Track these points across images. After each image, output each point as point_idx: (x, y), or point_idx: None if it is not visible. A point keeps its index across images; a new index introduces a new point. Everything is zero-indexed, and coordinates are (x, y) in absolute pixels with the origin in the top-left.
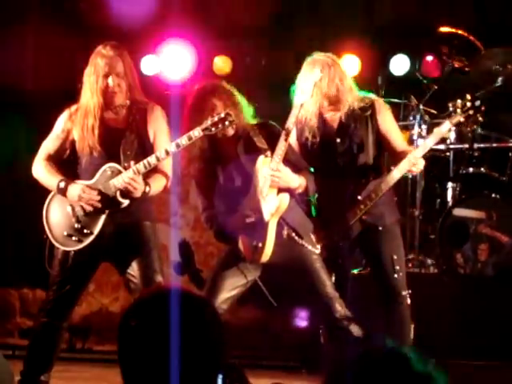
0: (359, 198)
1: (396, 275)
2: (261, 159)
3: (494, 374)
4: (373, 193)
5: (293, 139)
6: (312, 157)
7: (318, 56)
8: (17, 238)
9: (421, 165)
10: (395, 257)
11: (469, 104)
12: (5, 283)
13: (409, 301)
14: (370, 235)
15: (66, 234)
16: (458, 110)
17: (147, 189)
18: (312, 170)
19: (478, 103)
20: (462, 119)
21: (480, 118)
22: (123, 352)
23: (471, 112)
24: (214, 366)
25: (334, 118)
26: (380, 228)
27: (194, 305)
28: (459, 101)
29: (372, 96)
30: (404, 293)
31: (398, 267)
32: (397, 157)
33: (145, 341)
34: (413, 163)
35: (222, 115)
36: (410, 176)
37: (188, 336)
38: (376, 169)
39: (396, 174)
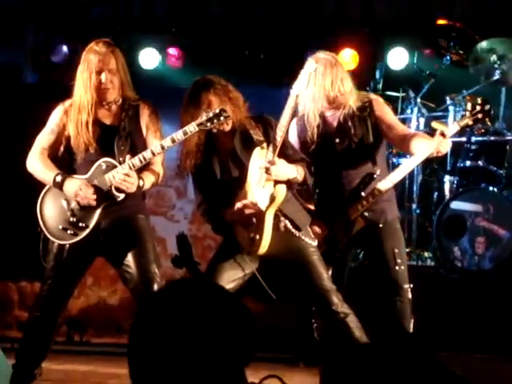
0: (363, 194)
1: (398, 268)
2: (257, 151)
3: (491, 367)
4: (376, 189)
5: (293, 136)
6: (312, 155)
7: (321, 54)
8: (15, 231)
9: (448, 146)
10: (396, 250)
11: (478, 107)
12: (3, 276)
13: (410, 295)
14: (371, 231)
15: (61, 227)
16: (467, 113)
17: (141, 183)
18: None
19: (487, 107)
20: (470, 122)
21: (488, 123)
22: (137, 344)
23: (480, 116)
24: (241, 360)
25: (333, 117)
26: (382, 223)
27: (219, 296)
28: (469, 103)
29: (370, 95)
30: (406, 286)
31: (399, 260)
32: (403, 142)
33: (166, 333)
34: (424, 155)
35: (217, 111)
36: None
37: (211, 328)
38: (378, 166)
39: (402, 172)
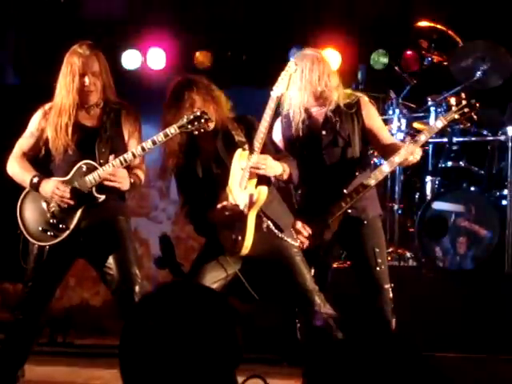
0: (345, 191)
1: (378, 268)
2: (238, 152)
3: (471, 367)
4: (360, 186)
5: (278, 135)
6: (297, 151)
7: (307, 51)
8: None
9: (418, 154)
10: (377, 250)
11: (464, 102)
12: None
13: (391, 294)
14: (353, 228)
15: (41, 229)
16: (453, 108)
17: (132, 180)
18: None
19: (473, 101)
20: (456, 116)
21: (475, 117)
22: (128, 346)
23: (466, 110)
24: (232, 362)
25: (319, 113)
26: (363, 221)
27: (205, 298)
28: (454, 98)
29: (358, 93)
30: (386, 286)
31: (380, 260)
32: (386, 149)
33: (154, 337)
34: (409, 153)
35: (198, 113)
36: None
37: (202, 330)
38: (361, 164)
39: (386, 168)
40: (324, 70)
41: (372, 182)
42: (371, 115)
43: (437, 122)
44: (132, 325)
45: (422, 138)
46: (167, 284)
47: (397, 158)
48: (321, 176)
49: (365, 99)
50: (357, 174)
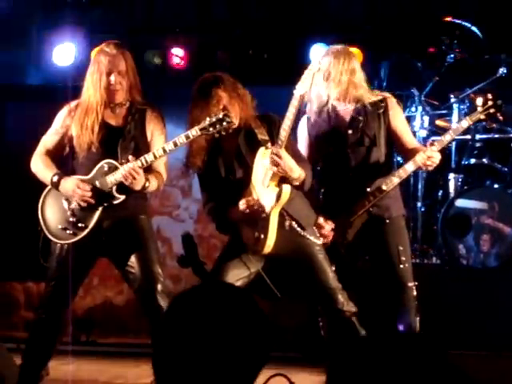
0: (368, 190)
1: (402, 266)
2: (261, 151)
3: (498, 365)
4: (384, 184)
5: (303, 131)
6: (322, 149)
7: (333, 47)
8: (21, 232)
9: (437, 159)
10: (401, 248)
11: (490, 102)
12: (9, 277)
13: (415, 292)
14: (376, 227)
15: (60, 227)
16: (479, 108)
17: (147, 184)
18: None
19: (499, 102)
20: (482, 117)
21: (500, 117)
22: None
23: (492, 110)
24: (257, 363)
25: (346, 111)
26: (386, 220)
27: (237, 299)
28: (480, 98)
29: (385, 93)
30: (410, 284)
31: (403, 258)
32: (408, 153)
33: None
34: (428, 156)
35: (220, 116)
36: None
37: (230, 331)
38: (386, 164)
39: (410, 166)
40: (348, 67)
41: (395, 180)
42: (398, 117)
43: (462, 122)
44: (165, 324)
45: (447, 137)
46: (199, 284)
47: (420, 158)
48: (345, 175)
49: (392, 100)
50: (380, 174)
